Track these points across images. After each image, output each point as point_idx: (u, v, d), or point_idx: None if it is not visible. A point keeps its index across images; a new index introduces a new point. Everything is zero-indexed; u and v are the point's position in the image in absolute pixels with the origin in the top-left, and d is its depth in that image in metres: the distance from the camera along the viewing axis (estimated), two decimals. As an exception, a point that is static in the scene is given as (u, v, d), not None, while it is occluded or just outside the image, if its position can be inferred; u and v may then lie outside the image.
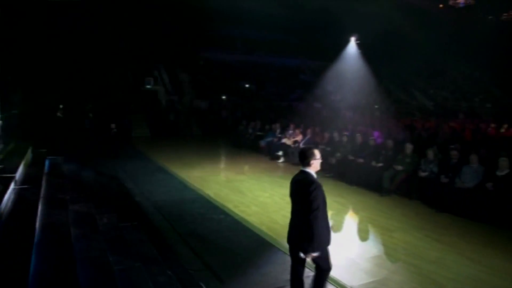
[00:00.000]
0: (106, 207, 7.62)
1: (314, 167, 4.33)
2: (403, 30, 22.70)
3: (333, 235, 6.93)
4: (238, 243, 6.52)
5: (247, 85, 27.11)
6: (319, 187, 4.14)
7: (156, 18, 21.49)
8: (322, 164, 4.36)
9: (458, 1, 18.50)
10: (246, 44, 27.26)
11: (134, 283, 4.70)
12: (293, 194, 4.41)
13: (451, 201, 8.69)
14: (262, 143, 15.79)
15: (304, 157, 4.32)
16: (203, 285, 4.93)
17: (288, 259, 5.74)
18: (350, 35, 25.24)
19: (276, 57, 28.83)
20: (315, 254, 4.18)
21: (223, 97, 25.09)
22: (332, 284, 5.16)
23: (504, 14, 19.78)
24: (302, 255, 4.22)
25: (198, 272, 5.36)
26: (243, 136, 17.64)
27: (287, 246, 6.26)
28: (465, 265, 5.96)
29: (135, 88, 22.73)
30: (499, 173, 8.37)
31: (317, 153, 4.36)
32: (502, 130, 15.01)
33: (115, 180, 10.47)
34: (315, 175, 4.29)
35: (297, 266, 4.46)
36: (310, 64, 30.17)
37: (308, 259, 4.30)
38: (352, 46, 25.35)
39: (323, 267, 4.40)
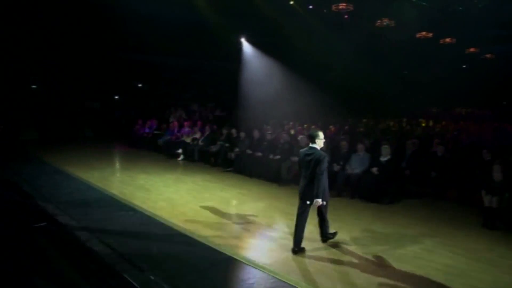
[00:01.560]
0: (9, 210, 7.36)
1: (318, 144, 6.15)
2: (291, 32, 23.92)
3: (243, 222, 7.49)
4: (152, 235, 6.73)
5: (140, 85, 26.73)
6: (326, 159, 6.05)
7: (43, 13, 20.32)
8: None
9: (340, 7, 19.93)
10: (138, 44, 26.70)
11: (60, 278, 4.76)
12: (305, 163, 6.16)
13: (344, 186, 9.70)
14: (160, 141, 15.86)
15: (311, 137, 6.20)
16: (125, 275, 5.10)
17: (203, 245, 6.20)
18: (241, 36, 25.97)
19: (169, 57, 28.63)
20: (319, 202, 6.00)
21: (116, 97, 24.52)
22: (246, 263, 5.62)
23: (378, 21, 21.78)
24: (308, 202, 6.08)
25: (117, 264, 5.50)
26: (139, 135, 17.51)
27: (201, 234, 6.70)
28: (358, 237, 6.83)
29: (20, 87, 21.26)
30: (382, 159, 9.51)
31: (321, 134, 6.22)
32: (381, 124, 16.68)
33: (11, 183, 9.97)
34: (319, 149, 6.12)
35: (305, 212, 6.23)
36: (202, 64, 30.38)
37: (316, 204, 6.05)
38: (246, 46, 26.07)
39: (326, 212, 6.36)
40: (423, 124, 19.22)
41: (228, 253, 5.93)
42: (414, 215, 8.39)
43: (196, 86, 28.95)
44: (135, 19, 20.63)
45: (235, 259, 5.77)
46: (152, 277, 5.11)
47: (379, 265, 5.79)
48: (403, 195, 9.75)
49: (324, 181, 6.09)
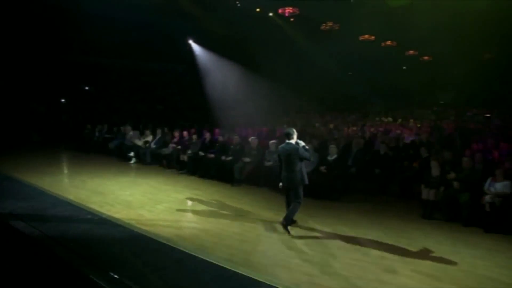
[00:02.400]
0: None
1: (294, 140, 7.51)
2: (234, 35, 24.32)
3: (200, 222, 7.77)
4: (112, 237, 6.90)
5: (87, 88, 26.28)
6: (301, 148, 7.45)
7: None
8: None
9: (286, 10, 20.58)
10: (84, 45, 25.95)
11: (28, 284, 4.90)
12: (285, 155, 7.48)
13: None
14: (112, 145, 15.82)
15: (288, 134, 7.58)
16: (92, 277, 5.31)
17: (163, 245, 6.46)
18: (188, 38, 26.12)
19: (116, 59, 28.10)
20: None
21: (62, 100, 23.99)
22: (207, 260, 5.94)
23: (323, 24, 22.58)
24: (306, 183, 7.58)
25: (81, 266, 5.68)
26: (90, 139, 17.33)
27: (161, 234, 6.93)
28: (311, 231, 7.38)
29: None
30: (330, 158, 10.09)
31: (295, 132, 7.64)
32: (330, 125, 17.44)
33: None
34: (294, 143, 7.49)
35: (290, 196, 7.67)
36: (150, 66, 30.11)
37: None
38: (196, 48, 26.22)
39: (301, 198, 7.54)
40: (369, 123, 20.15)
41: (189, 251, 6.23)
42: (361, 210, 9.03)
43: (144, 88, 28.74)
44: (81, 20, 20.26)
45: (196, 257, 6.06)
46: (116, 276, 5.34)
47: (331, 256, 6.30)
48: (350, 191, 10.43)
49: (304, 167, 7.60)
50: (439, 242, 7.12)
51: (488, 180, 8.20)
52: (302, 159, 7.44)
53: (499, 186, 7.99)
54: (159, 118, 21.84)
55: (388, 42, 27.24)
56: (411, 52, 29.56)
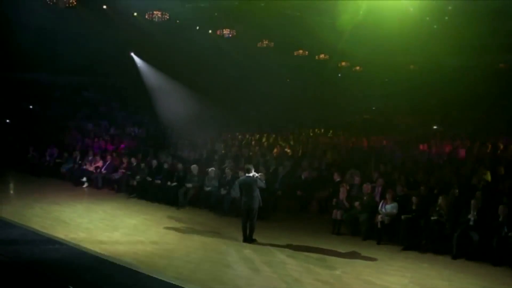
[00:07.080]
0: None
1: (252, 174, 9.95)
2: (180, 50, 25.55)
3: (152, 244, 9.43)
4: (82, 264, 8.41)
5: (31, 106, 26.53)
6: (258, 180, 9.99)
7: None
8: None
9: (224, 32, 22.49)
10: (24, 61, 25.10)
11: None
12: (245, 185, 9.97)
13: (229, 207, 12.11)
14: (63, 169, 16.98)
15: (247, 170, 10.12)
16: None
17: (123, 268, 8.13)
18: (130, 51, 26.98)
19: (58, 75, 27.76)
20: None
21: (7, 120, 24.05)
22: (161, 278, 7.68)
23: (259, 42, 24.48)
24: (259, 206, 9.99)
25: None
26: (39, 163, 18.03)
27: (122, 259, 8.56)
28: (239, 251, 9.38)
29: None
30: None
31: (252, 167, 10.29)
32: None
33: None
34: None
35: (247, 219, 9.90)
36: (93, 81, 30.18)
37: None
38: (138, 62, 27.09)
39: (256, 217, 9.94)
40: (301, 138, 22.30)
41: (146, 273, 7.91)
42: (283, 228, 11.23)
43: (88, 104, 29.05)
44: (20, 34, 19.91)
45: (151, 277, 7.76)
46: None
47: (255, 270, 8.37)
48: (276, 211, 12.53)
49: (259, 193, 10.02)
50: (341, 254, 9.31)
51: (382, 202, 10.51)
52: (259, 187, 9.93)
53: (389, 208, 10.32)
54: (103, 136, 22.44)
55: (322, 56, 29.53)
56: (343, 63, 31.89)
